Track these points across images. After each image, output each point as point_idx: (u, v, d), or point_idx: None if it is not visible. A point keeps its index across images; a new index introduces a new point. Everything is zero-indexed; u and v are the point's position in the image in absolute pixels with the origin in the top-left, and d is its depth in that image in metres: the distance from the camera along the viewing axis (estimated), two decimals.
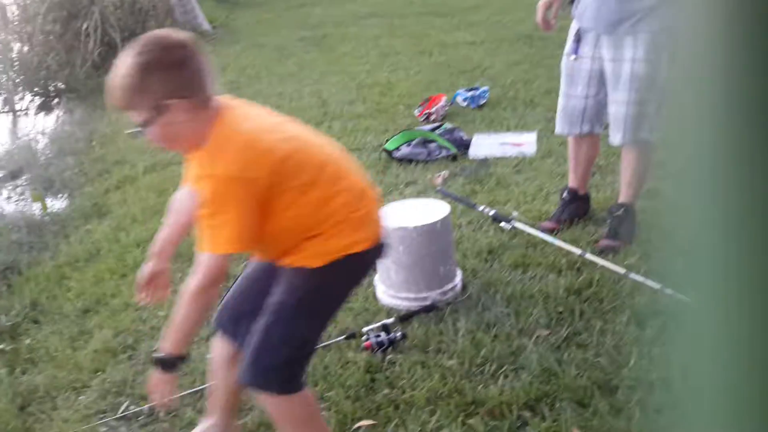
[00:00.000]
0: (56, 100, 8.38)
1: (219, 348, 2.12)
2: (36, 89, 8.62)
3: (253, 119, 1.83)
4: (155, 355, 1.89)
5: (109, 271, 3.53)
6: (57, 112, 8.00)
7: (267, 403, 1.92)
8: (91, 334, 3.05)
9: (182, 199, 1.99)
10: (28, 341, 3.06)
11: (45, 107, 8.28)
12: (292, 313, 1.85)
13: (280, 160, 1.76)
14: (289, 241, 1.86)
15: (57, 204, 4.97)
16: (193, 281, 1.77)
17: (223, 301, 2.11)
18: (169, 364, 1.83)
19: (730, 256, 0.36)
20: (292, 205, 1.80)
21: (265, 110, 1.95)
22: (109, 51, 9.11)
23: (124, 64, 1.70)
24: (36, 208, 4.81)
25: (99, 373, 2.74)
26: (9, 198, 5.21)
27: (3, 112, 8.27)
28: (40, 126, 7.46)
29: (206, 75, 1.75)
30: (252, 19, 11.35)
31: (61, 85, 8.51)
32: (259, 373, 1.85)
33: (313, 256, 1.83)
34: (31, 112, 8.21)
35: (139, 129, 1.77)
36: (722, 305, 0.37)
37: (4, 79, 9.07)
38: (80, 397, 2.62)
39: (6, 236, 4.22)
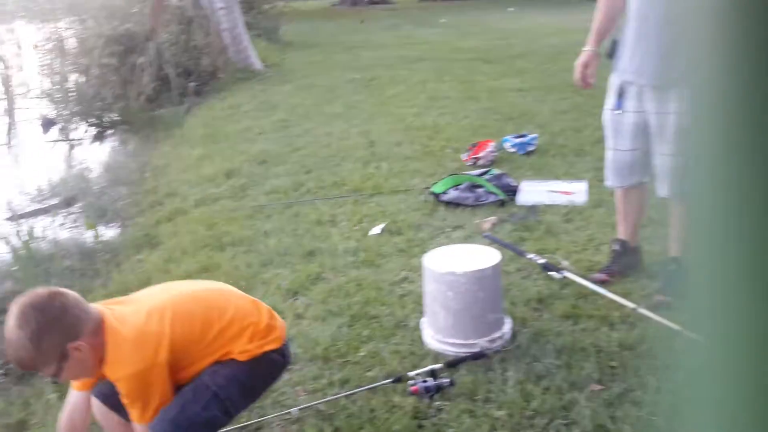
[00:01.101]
0: (110, 131, 8.62)
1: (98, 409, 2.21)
2: (91, 120, 8.89)
3: (129, 316, 1.99)
4: None
5: None
6: (111, 143, 8.22)
7: None
8: None
9: (72, 411, 2.20)
10: None
11: (99, 138, 8.52)
12: (213, 392, 2.03)
13: (170, 337, 1.97)
14: (204, 367, 2.09)
15: (109, 233, 5.08)
16: None
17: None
18: None
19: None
20: (199, 351, 2.04)
21: (135, 297, 2.15)
22: (163, 86, 9.40)
23: (15, 338, 1.84)
24: (89, 235, 4.91)
25: None
26: (63, 225, 5.34)
27: (59, 141, 8.53)
28: (94, 156, 7.67)
29: (84, 309, 1.93)
30: (303, 60, 11.58)
31: (115, 117, 8.77)
32: None
33: (238, 354, 2.07)
34: (86, 141, 8.45)
35: (54, 381, 1.96)
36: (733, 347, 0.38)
37: (60, 109, 9.37)
38: None
39: (59, 262, 4.31)
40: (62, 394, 2.92)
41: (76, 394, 2.20)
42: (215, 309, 2.10)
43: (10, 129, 9.26)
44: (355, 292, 3.47)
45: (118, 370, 1.91)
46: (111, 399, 2.07)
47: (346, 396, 2.63)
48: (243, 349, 2.06)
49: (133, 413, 1.95)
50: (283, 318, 3.29)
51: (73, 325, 1.88)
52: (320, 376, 2.81)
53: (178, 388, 2.04)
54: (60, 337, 1.86)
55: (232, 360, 2.05)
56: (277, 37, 14.07)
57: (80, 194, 5.98)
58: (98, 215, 5.33)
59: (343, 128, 6.79)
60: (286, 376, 2.84)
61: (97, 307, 2.00)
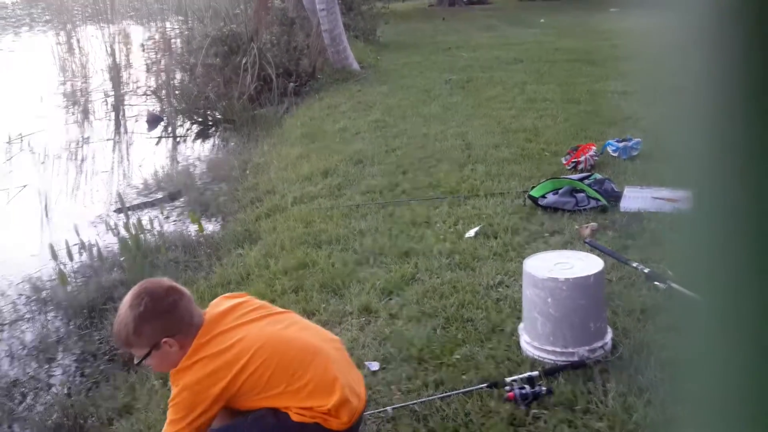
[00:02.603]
0: (213, 129, 8.91)
1: None
2: (195, 117, 9.22)
3: (221, 337, 2.05)
4: None
5: (259, 295, 3.62)
6: (213, 140, 8.50)
7: None
8: None
9: None
10: None
11: (202, 135, 8.83)
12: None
13: (231, 380, 2.00)
14: (259, 407, 2.09)
15: (211, 227, 5.24)
16: None
17: None
18: None
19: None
20: (258, 399, 2.05)
21: (247, 308, 2.17)
22: (264, 85, 9.63)
23: (123, 314, 2.01)
24: (192, 229, 5.09)
25: None
26: (167, 218, 5.55)
27: (164, 136, 8.89)
28: (197, 152, 7.95)
29: (191, 311, 2.06)
30: (399, 61, 11.63)
31: (218, 115, 9.05)
32: None
33: (292, 414, 2.05)
34: (190, 138, 8.76)
35: (138, 363, 2.10)
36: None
37: (166, 106, 9.77)
38: None
39: (164, 254, 4.48)
40: (165, 381, 3.04)
41: None
42: (293, 368, 2.07)
43: (117, 125, 9.73)
44: (450, 295, 3.45)
45: (178, 378, 2.02)
46: None
47: (440, 398, 2.61)
48: (299, 413, 2.05)
49: (168, 417, 2.04)
50: (377, 317, 3.34)
51: (175, 324, 2.03)
52: (414, 377, 2.80)
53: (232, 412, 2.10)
54: (159, 328, 2.01)
55: (285, 415, 2.05)
56: (374, 38, 14.19)
57: (184, 189, 6.20)
58: (201, 210, 5.52)
59: (440, 130, 6.76)
60: (380, 375, 2.86)
61: (207, 313, 2.11)
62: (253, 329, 2.13)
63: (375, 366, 2.94)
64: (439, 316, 3.25)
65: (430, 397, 2.61)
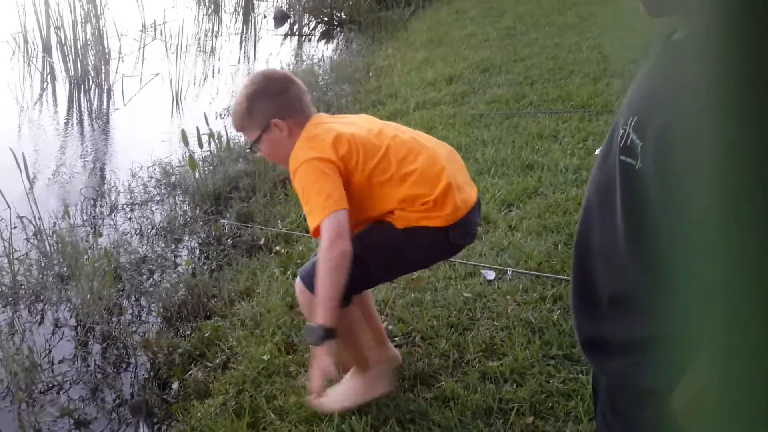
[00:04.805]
0: (338, 30, 8.85)
1: None
2: (321, 16, 9.17)
3: (335, 124, 2.05)
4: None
5: None
6: (337, 41, 8.45)
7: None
8: None
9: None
10: (300, 248, 3.28)
11: (327, 35, 8.79)
12: (356, 252, 1.88)
13: (350, 147, 1.96)
14: (371, 215, 2.04)
15: None
16: (320, 252, 1.87)
17: None
18: (317, 334, 1.85)
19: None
20: (369, 186, 1.98)
21: (357, 118, 2.16)
22: None
23: (239, 95, 2.08)
24: None
25: None
26: None
27: (290, 34, 8.91)
28: (321, 52, 7.93)
29: (303, 100, 2.07)
30: None
31: (343, 15, 8.96)
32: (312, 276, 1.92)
33: (396, 220, 2.00)
34: (315, 37, 8.75)
35: (251, 148, 2.12)
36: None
37: (294, 4, 9.75)
38: None
39: None
40: (285, 269, 3.12)
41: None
42: (402, 153, 2.01)
43: (246, 20, 9.82)
44: (575, 211, 3.31)
45: (293, 163, 1.96)
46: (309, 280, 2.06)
47: (558, 313, 2.54)
48: (403, 216, 1.99)
49: (304, 207, 1.94)
50: (495, 228, 3.27)
51: (284, 106, 2.04)
52: (532, 290, 2.74)
53: None
54: (269, 108, 2.03)
55: (390, 225, 2.01)
56: None
57: (308, 87, 6.22)
58: (324, 109, 5.53)
59: (574, 41, 6.42)
60: (495, 285, 2.81)
61: (317, 112, 2.10)
62: (368, 126, 2.09)
63: (491, 275, 2.89)
64: (562, 232, 3.14)
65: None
